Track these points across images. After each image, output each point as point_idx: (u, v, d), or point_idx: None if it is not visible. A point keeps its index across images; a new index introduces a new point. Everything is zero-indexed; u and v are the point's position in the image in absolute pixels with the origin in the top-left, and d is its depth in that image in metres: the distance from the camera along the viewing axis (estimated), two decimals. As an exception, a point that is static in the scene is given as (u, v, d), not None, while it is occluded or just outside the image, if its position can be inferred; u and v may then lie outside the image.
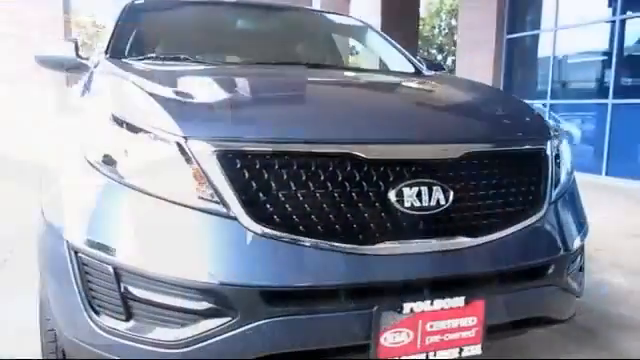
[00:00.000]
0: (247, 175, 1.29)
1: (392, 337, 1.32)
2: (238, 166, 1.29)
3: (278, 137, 1.34)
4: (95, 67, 2.20)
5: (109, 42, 2.35)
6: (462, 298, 1.36)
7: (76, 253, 1.36)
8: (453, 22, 25.80)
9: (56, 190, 1.51)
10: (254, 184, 1.29)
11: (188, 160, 1.30)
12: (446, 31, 28.06)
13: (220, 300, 1.25)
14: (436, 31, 28.80)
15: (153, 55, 2.24)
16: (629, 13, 7.72)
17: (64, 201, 1.44)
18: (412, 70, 2.64)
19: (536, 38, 9.59)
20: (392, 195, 1.34)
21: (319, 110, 1.60)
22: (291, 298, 1.28)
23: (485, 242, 1.43)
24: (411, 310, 1.32)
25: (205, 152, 1.29)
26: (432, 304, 1.34)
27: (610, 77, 7.91)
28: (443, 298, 1.35)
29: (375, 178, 1.35)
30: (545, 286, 1.53)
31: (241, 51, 2.52)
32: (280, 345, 1.28)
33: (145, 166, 1.34)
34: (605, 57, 8.23)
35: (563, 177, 1.68)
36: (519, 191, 1.52)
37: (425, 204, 1.36)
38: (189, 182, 1.30)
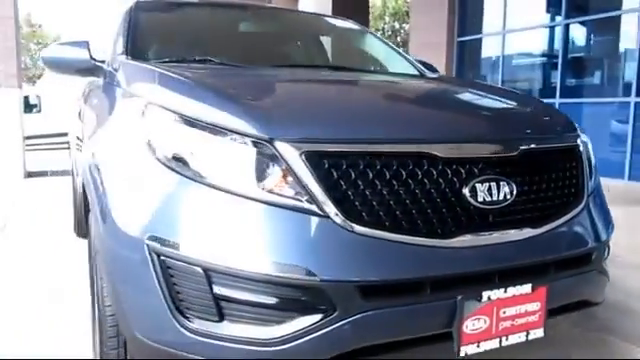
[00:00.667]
0: (335, 174, 1.33)
1: (472, 324, 1.40)
2: (326, 166, 1.33)
3: (362, 137, 1.40)
4: (116, 70, 2.16)
5: (126, 43, 2.30)
6: (529, 285, 1.47)
7: (159, 257, 1.35)
8: (396, 25, 26.40)
9: (130, 196, 1.48)
10: (342, 183, 1.33)
11: (277, 161, 1.33)
12: (389, 33, 28.70)
13: (319, 296, 1.28)
14: (380, 34, 29.40)
15: (179, 58, 2.22)
16: (572, 19, 8.23)
17: (143, 206, 1.42)
18: (418, 72, 2.75)
19: (486, 41, 10.02)
20: (466, 191, 1.43)
21: (393, 111, 1.67)
22: (383, 291, 1.33)
23: (544, 232, 1.54)
24: (488, 298, 1.41)
25: (294, 153, 1.32)
26: (505, 292, 1.43)
27: (557, 78, 8.40)
28: (514, 286, 1.45)
29: (450, 175, 1.43)
30: (590, 271, 1.66)
31: (264, 54, 2.53)
32: (373, 337, 1.34)
33: (231, 168, 1.35)
34: (552, 59, 8.73)
35: (593, 171, 1.82)
36: (564, 184, 1.64)
37: (494, 198, 1.45)
38: (281, 183, 1.33)
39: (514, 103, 2.03)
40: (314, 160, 1.33)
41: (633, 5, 7.33)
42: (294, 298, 1.29)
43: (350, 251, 1.31)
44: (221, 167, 1.36)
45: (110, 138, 1.71)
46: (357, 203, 1.33)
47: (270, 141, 1.34)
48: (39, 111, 14.39)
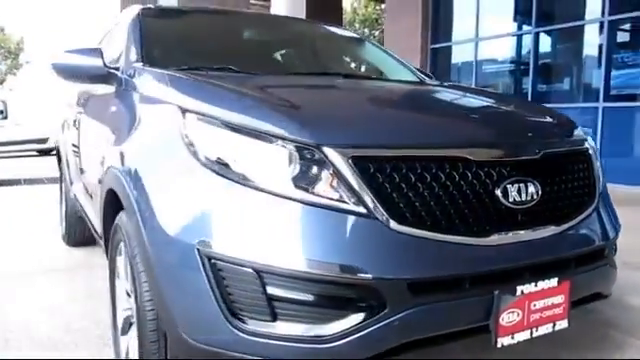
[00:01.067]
0: (380, 178, 1.40)
1: (507, 317, 1.49)
2: (371, 170, 1.40)
3: (404, 143, 1.48)
4: (132, 77, 2.18)
5: (140, 51, 2.31)
6: (556, 279, 1.57)
7: (210, 260, 1.39)
8: (366, 32, 26.71)
9: (178, 201, 1.50)
10: (387, 186, 1.40)
11: (326, 166, 1.39)
12: (359, 40, 28.90)
13: (371, 294, 1.35)
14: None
15: (195, 65, 2.24)
16: (543, 27, 8.54)
17: (192, 212, 1.45)
18: (419, 79, 2.85)
19: (459, 48, 10.28)
20: (498, 192, 1.52)
21: (429, 118, 1.75)
22: (429, 288, 1.40)
23: (565, 229, 1.65)
24: (521, 292, 1.50)
25: (342, 158, 1.39)
26: (536, 286, 1.53)
27: (528, 84, 8.70)
28: (542, 280, 1.54)
29: (483, 177, 1.51)
30: (604, 265, 1.78)
31: (278, 63, 2.58)
32: (418, 332, 1.41)
33: (280, 172, 1.40)
34: (523, 66, 9.03)
35: (601, 173, 1.94)
36: (579, 184, 1.76)
37: (522, 198, 1.55)
38: (330, 186, 1.38)
39: (528, 109, 2.14)
40: (361, 164, 1.39)
41: (596, 15, 7.68)
42: (346, 296, 1.35)
43: (396, 250, 1.38)
44: (269, 171, 1.41)
45: (145, 145, 1.73)
46: (401, 204, 1.40)
47: (318, 147, 1.40)
48: (5, 117, 14.00)
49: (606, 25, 7.45)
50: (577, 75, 8.44)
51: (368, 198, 1.37)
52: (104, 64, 2.31)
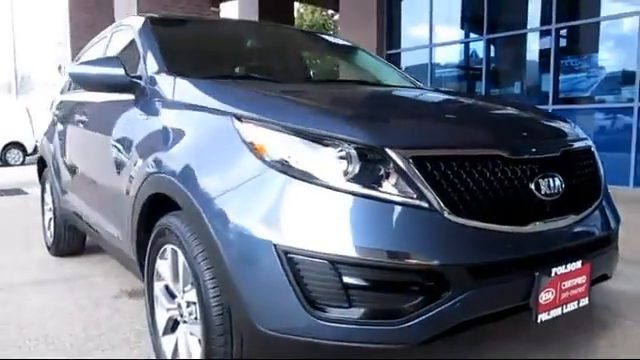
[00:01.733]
0: (437, 175, 1.57)
1: (544, 296, 1.69)
2: (429, 168, 1.56)
3: (455, 144, 1.67)
4: (154, 85, 2.25)
5: (162, 59, 2.38)
6: (579, 262, 1.78)
7: (286, 254, 1.51)
8: (315, 37, 26.93)
9: (249, 201, 1.60)
10: (443, 182, 1.57)
11: (389, 165, 1.54)
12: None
13: (436, 278, 1.51)
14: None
15: (218, 74, 2.34)
16: (494, 34, 9.04)
17: (264, 210, 1.56)
18: (418, 85, 3.06)
19: (414, 53, 10.66)
20: (532, 185, 1.72)
21: (470, 121, 1.94)
22: (483, 271, 1.58)
23: (582, 218, 1.87)
24: (555, 273, 1.70)
25: (403, 158, 1.54)
26: (565, 267, 1.73)
27: (481, 88, 9.17)
28: (570, 263, 1.75)
29: (520, 173, 1.71)
30: (611, 250, 2.02)
31: (295, 70, 2.70)
32: (475, 311, 1.58)
33: (348, 172, 1.54)
34: (476, 70, 9.51)
35: (602, 168, 2.19)
36: (589, 178, 1.99)
37: (550, 191, 1.76)
38: (395, 184, 1.54)
39: (540, 113, 2.36)
40: (419, 163, 1.55)
41: (545, 23, 8.22)
42: (415, 281, 1.51)
43: (455, 239, 1.55)
44: (338, 171, 1.53)
45: (202, 150, 1.82)
46: (455, 198, 1.58)
47: (381, 148, 1.55)
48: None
49: (553, 33, 7.98)
50: (527, 79, 8.98)
51: (428, 193, 1.54)
52: (126, 73, 2.36)
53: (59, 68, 17.18)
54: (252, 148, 1.64)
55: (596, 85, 7.70)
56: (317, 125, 1.62)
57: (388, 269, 1.49)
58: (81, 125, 3.12)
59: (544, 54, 8.29)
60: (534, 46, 8.76)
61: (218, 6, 18.93)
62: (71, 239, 3.94)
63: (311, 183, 1.54)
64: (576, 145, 2.03)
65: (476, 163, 1.64)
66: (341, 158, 1.55)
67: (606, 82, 7.62)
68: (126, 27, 2.96)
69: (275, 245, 1.51)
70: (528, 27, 8.74)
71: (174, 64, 2.37)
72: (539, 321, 1.68)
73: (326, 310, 1.49)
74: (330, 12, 27.17)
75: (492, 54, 9.25)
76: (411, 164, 1.54)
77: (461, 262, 1.53)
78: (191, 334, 1.87)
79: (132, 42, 2.75)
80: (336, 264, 1.48)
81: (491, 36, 9.04)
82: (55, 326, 2.70)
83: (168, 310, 2.06)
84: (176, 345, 1.99)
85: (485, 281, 1.58)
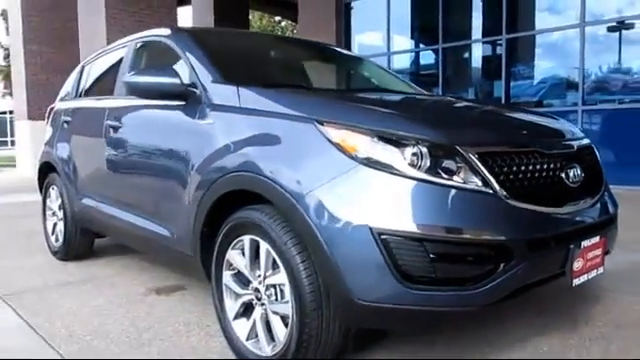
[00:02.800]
0: (496, 166, 1.91)
1: (576, 264, 2.06)
2: (490, 162, 1.90)
3: (510, 142, 2.06)
4: (211, 93, 2.47)
5: (213, 70, 2.60)
6: (598, 237, 2.18)
7: (380, 235, 1.79)
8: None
9: (346, 193, 1.86)
10: (502, 172, 1.92)
11: (460, 159, 1.87)
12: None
13: (503, 250, 1.84)
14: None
15: (268, 83, 2.59)
16: (449, 43, 9.65)
17: (359, 199, 1.83)
18: (424, 92, 3.43)
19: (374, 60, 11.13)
20: (563, 175, 2.10)
21: (512, 124, 2.32)
22: (536, 244, 1.93)
23: (596, 201, 2.28)
24: (583, 246, 2.08)
25: (471, 153, 1.87)
26: (590, 241, 2.12)
27: (438, 92, 9.75)
28: (592, 237, 2.14)
29: (553, 165, 2.09)
30: (614, 228, 2.43)
31: (327, 81, 2.98)
32: (529, 277, 1.93)
33: (430, 166, 1.84)
34: (432, 77, 10.09)
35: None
36: (595, 169, 2.40)
37: (575, 179, 2.14)
38: (465, 174, 1.86)
39: (552, 116, 2.75)
40: (483, 158, 1.89)
41: (496, 33, 8.88)
42: (487, 253, 1.83)
43: (515, 218, 1.90)
44: (420, 165, 1.84)
45: (285, 150, 2.06)
46: (510, 185, 1.92)
47: (453, 146, 1.88)
48: None
49: (504, 42, 8.66)
50: (481, 85, 9.64)
51: (491, 181, 1.87)
52: (181, 82, 2.57)
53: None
54: (341, 148, 1.91)
55: (544, 90, 8.42)
56: (398, 127, 1.93)
57: (465, 244, 1.81)
58: (112, 131, 3.24)
59: (496, 62, 8.96)
60: (487, 55, 9.43)
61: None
62: (81, 243, 4.03)
63: (398, 175, 1.83)
64: (583, 142, 2.44)
65: (522, 157, 2.00)
66: (421, 154, 1.86)
67: (553, 88, 8.36)
68: (158, 38, 3.14)
69: (371, 228, 1.80)
70: (481, 37, 9.40)
71: (228, 74, 2.60)
72: (573, 285, 2.06)
73: (415, 280, 1.79)
74: (277, 18, 27.49)
75: (447, 62, 9.86)
76: (477, 158, 1.88)
77: (521, 237, 1.88)
78: (274, 313, 2.11)
79: (166, 52, 2.95)
80: (423, 241, 1.78)
81: (446, 45, 9.65)
82: (101, 322, 2.83)
83: (239, 296, 2.28)
84: (253, 325, 2.21)
85: (537, 252, 1.93)
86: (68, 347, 2.54)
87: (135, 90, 2.65)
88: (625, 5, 7.52)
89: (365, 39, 11.31)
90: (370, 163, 1.86)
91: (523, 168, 1.99)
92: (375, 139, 1.90)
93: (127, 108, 3.20)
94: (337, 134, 1.94)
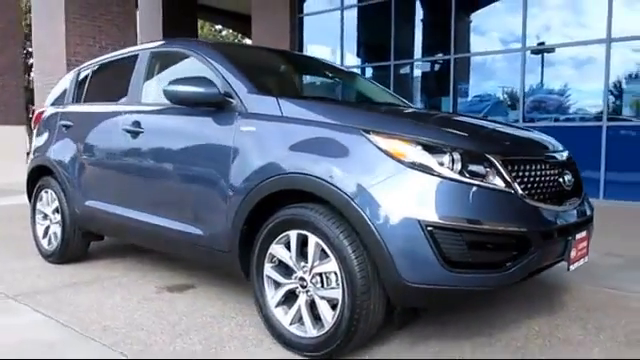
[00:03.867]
0: (515, 171, 2.32)
1: (572, 253, 2.50)
2: (509, 167, 2.31)
3: (522, 152, 2.47)
4: (249, 103, 2.73)
5: (248, 81, 2.85)
6: (585, 231, 2.64)
7: (427, 227, 2.13)
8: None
9: (397, 192, 2.17)
10: (520, 175, 2.33)
11: (488, 165, 2.25)
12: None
13: (523, 240, 2.23)
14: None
15: (297, 94, 2.88)
16: (400, 60, 10.25)
17: (409, 197, 2.16)
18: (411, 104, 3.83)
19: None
20: (561, 179, 2.55)
21: (519, 137, 2.75)
22: (547, 235, 2.35)
23: (581, 201, 2.75)
24: (577, 238, 2.53)
25: (497, 160, 2.27)
26: (580, 234, 2.57)
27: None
28: (582, 231, 2.60)
29: (554, 171, 2.53)
30: (592, 225, 2.91)
31: (350, 95, 3.30)
32: (541, 262, 2.35)
33: (465, 169, 2.20)
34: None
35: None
36: (576, 174, 2.88)
37: (568, 182, 2.60)
38: (492, 177, 2.25)
39: (543, 133, 3.20)
40: (506, 164, 2.29)
41: (445, 53, 9.57)
42: (512, 242, 2.22)
43: (531, 213, 2.31)
44: (458, 169, 2.20)
45: (335, 155, 2.34)
46: (525, 187, 2.34)
47: (484, 154, 2.27)
48: None
49: (452, 62, 9.35)
50: (430, 101, 10.29)
51: (513, 183, 2.27)
52: (219, 92, 2.80)
53: None
54: (390, 154, 2.24)
55: (489, 107, 9.16)
56: (438, 137, 2.29)
57: (494, 234, 2.19)
58: (130, 136, 3.38)
59: (445, 79, 9.63)
60: (436, 72, 10.11)
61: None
62: (78, 246, 4.09)
63: (440, 177, 2.18)
64: (566, 153, 2.92)
65: (534, 164, 2.43)
66: (457, 159, 2.22)
67: (496, 105, 9.11)
68: (182, 50, 3.35)
69: (419, 221, 2.13)
70: (430, 56, 10.08)
71: (260, 85, 2.87)
72: (570, 269, 2.50)
73: (455, 265, 2.15)
74: (218, 27, 27.46)
75: (398, 78, 10.44)
76: (500, 164, 2.27)
77: (537, 229, 2.29)
78: (321, 298, 2.38)
79: (191, 63, 3.17)
80: (461, 232, 2.15)
81: (397, 62, 10.24)
82: (129, 317, 2.96)
83: (281, 285, 2.55)
84: (297, 311, 2.48)
85: (548, 241, 2.35)
86: (108, 339, 2.66)
87: (173, 97, 2.84)
88: (569, 31, 8.38)
89: (319, 54, 11.72)
90: (416, 167, 2.20)
91: (534, 173, 2.41)
92: (419, 147, 2.24)
93: (150, 114, 3.35)
94: (386, 142, 2.27)
